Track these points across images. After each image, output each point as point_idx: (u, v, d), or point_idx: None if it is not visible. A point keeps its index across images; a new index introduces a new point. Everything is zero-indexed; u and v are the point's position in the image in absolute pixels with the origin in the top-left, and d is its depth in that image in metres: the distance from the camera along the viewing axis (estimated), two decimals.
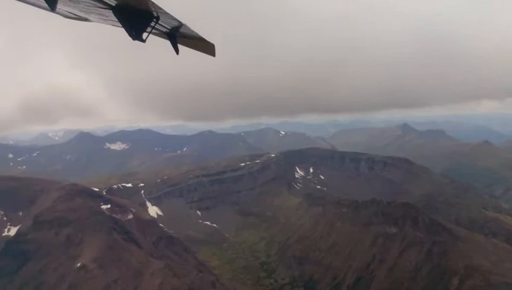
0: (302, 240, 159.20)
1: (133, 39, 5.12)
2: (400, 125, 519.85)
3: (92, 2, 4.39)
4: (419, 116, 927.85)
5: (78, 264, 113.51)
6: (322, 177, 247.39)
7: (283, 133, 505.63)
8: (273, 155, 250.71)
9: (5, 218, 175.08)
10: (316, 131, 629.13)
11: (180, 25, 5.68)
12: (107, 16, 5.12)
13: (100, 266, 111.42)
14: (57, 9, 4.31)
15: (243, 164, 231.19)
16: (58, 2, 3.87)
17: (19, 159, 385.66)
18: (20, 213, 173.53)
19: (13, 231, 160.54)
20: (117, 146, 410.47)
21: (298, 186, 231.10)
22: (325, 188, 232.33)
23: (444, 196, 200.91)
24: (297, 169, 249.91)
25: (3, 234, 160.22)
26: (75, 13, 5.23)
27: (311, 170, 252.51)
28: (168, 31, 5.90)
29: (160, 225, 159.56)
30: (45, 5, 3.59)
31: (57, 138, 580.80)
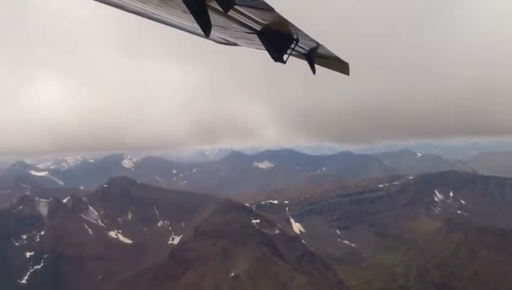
0: (442, 266, 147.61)
1: (275, 61, 5.17)
2: None
3: (240, 27, 4.58)
4: None
5: (232, 274, 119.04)
6: (463, 202, 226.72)
7: (420, 155, 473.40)
8: (411, 177, 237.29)
9: (169, 228, 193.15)
10: (455, 153, 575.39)
11: (318, 45, 5.63)
12: (252, 40, 5.31)
13: (250, 277, 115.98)
14: (211, 36, 4.54)
15: (381, 185, 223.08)
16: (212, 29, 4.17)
17: (181, 174, 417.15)
18: (183, 224, 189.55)
19: (176, 239, 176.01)
20: (264, 165, 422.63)
21: (437, 210, 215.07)
22: (466, 214, 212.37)
23: None
24: (436, 192, 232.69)
25: (168, 242, 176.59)
26: (226, 39, 5.56)
27: (451, 194, 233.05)
28: (306, 52, 5.87)
29: (303, 241, 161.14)
30: (201, 32, 3.79)
31: (212, 156, 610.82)
